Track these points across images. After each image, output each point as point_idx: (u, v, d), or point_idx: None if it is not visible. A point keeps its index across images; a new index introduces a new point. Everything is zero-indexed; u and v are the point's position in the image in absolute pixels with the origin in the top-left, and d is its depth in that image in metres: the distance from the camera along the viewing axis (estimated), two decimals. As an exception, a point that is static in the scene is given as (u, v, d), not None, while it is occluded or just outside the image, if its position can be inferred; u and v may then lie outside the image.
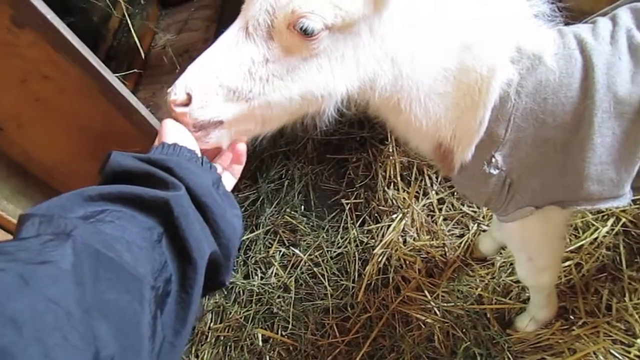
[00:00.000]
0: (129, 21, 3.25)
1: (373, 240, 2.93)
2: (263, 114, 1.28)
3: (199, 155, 1.11)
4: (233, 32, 1.23)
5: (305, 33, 1.17)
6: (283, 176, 3.33)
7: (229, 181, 1.23)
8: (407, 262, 2.79)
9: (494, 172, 1.49)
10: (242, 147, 1.26)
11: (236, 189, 3.15)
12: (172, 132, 1.15)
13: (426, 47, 1.33)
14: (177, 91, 1.18)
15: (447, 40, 1.35)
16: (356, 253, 2.91)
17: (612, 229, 2.53)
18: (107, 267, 0.74)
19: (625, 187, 1.46)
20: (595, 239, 2.53)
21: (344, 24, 1.21)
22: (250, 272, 3.02)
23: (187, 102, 1.18)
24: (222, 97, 1.21)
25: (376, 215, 3.02)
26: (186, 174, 0.98)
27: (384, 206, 3.02)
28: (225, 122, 1.23)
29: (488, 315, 2.49)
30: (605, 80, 1.35)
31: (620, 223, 2.54)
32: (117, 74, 2.56)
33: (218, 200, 1.01)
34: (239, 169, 1.27)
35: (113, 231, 0.81)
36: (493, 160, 1.48)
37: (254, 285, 2.94)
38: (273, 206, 3.22)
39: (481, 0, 1.38)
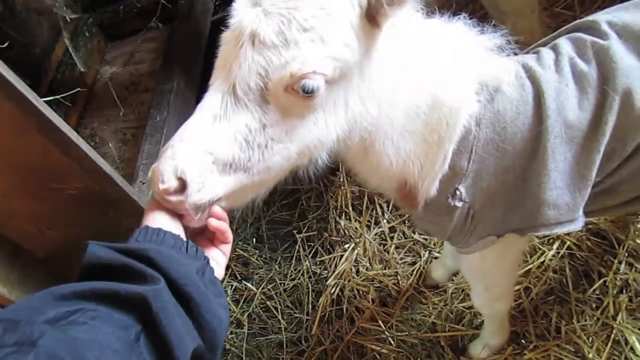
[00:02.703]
0: (73, 54, 3.19)
1: (326, 272, 2.90)
2: (261, 179, 1.21)
3: (184, 239, 1.05)
4: (216, 99, 1.13)
5: (307, 93, 1.12)
6: (235, 209, 3.26)
7: (220, 259, 1.17)
8: (361, 292, 2.77)
9: (458, 204, 1.48)
10: (217, 224, 1.15)
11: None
12: (155, 215, 1.08)
13: (404, 84, 1.32)
14: (166, 178, 1.04)
15: (421, 77, 1.34)
16: (309, 285, 2.88)
17: (558, 252, 2.59)
18: None
19: (580, 210, 1.47)
20: (542, 262, 2.58)
21: (342, 74, 1.18)
22: (201, 308, 2.93)
23: (181, 188, 1.06)
24: (218, 173, 1.12)
25: (329, 246, 3.01)
26: (168, 263, 0.93)
27: (336, 236, 3.01)
28: (223, 196, 1.15)
29: (442, 343, 2.49)
30: (555, 106, 1.37)
31: (565, 246, 2.59)
32: (56, 97, 2.50)
33: (202, 290, 0.95)
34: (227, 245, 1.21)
35: (86, 335, 0.76)
36: (457, 192, 1.46)
37: (205, 322, 2.84)
38: (224, 239, 3.14)
39: (448, 35, 1.39)
